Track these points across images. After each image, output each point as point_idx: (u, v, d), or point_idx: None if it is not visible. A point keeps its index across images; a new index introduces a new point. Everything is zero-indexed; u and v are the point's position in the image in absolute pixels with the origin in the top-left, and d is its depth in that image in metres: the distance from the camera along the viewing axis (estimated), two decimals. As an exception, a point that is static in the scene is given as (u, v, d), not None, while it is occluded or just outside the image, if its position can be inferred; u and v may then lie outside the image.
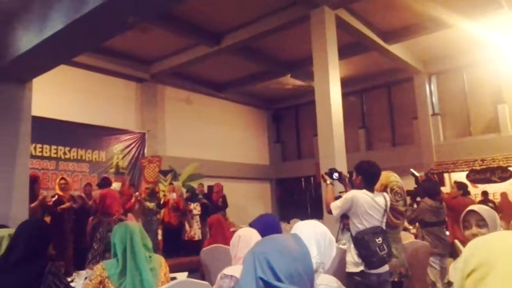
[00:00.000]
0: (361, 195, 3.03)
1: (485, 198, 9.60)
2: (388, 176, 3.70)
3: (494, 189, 10.68)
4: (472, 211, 2.13)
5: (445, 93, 12.44)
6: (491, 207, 7.23)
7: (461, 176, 10.92)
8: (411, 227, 6.28)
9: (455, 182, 6.36)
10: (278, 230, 2.57)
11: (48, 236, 2.56)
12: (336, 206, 3.11)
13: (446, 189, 9.07)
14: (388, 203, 3.17)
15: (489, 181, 10.51)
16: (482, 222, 2.08)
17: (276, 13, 8.73)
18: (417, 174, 5.40)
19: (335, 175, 3.56)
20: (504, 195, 9.99)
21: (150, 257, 2.53)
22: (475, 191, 10.56)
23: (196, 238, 8.01)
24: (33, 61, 3.85)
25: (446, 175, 11.48)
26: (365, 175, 3.15)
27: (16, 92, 4.25)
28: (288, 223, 10.47)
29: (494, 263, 0.76)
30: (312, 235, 1.62)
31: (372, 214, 3.01)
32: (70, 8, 3.04)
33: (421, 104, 12.39)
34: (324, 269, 1.64)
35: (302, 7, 8.21)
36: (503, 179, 10.47)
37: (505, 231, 0.87)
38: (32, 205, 5.75)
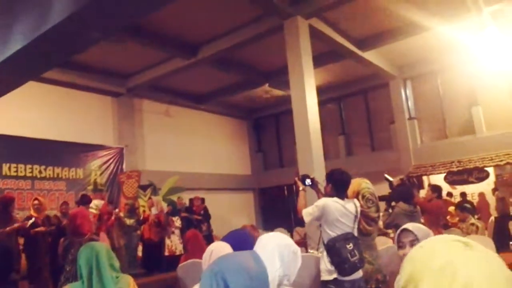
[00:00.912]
0: (332, 203, 3.06)
1: (464, 199, 9.75)
2: (359, 183, 3.73)
3: (473, 190, 10.87)
4: (406, 230, 2.14)
5: (420, 97, 12.66)
6: (469, 208, 7.37)
7: (439, 178, 11.10)
8: (390, 231, 6.32)
9: (429, 185, 6.45)
10: (249, 243, 2.55)
11: (11, 261, 2.49)
12: (307, 213, 3.13)
13: (425, 192, 9.18)
14: (359, 210, 3.20)
15: (466, 182, 10.70)
16: (416, 242, 2.07)
17: (250, 24, 8.78)
18: (391, 179, 5.44)
19: (308, 181, 3.57)
20: (482, 195, 10.17)
21: (117, 277, 2.47)
22: (454, 192, 10.74)
23: (178, 253, 7.90)
24: (-5, 81, 3.77)
25: (424, 178, 11.65)
26: (336, 183, 3.18)
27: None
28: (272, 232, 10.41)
29: (419, 278, 0.73)
30: (275, 248, 1.59)
31: (343, 221, 3.03)
32: (30, 27, 2.99)
33: (397, 109, 12.58)
34: (289, 281, 1.62)
35: (276, 17, 8.27)
36: (480, 180, 10.68)
37: (434, 238, 0.83)
38: (7, 229, 5.59)
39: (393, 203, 4.87)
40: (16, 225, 5.72)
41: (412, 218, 4.85)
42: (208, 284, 1.20)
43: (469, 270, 0.69)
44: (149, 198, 9.12)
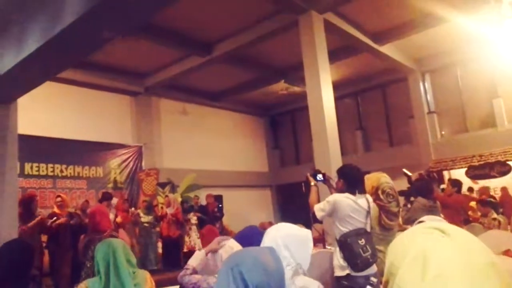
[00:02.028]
0: (343, 199, 3.04)
1: (485, 194, 9.52)
2: (378, 178, 3.68)
3: (495, 184, 10.61)
4: (422, 222, 2.10)
5: (439, 90, 12.43)
6: (491, 202, 7.19)
7: (460, 173, 10.87)
8: (409, 226, 6.24)
9: (449, 179, 6.33)
10: (255, 241, 2.56)
11: (30, 257, 2.55)
12: (319, 209, 3.11)
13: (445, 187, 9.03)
14: (371, 205, 3.16)
15: (488, 176, 10.46)
16: None
17: (264, 21, 8.77)
18: (409, 173, 5.35)
19: (319, 176, 3.55)
20: (504, 189, 9.90)
21: (134, 272, 2.50)
22: (475, 187, 10.51)
23: (197, 248, 7.98)
24: (13, 82, 3.86)
25: (445, 173, 11.43)
26: (347, 179, 3.15)
27: (0, 113, 4.26)
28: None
29: (395, 271, 0.72)
30: (278, 238, 1.59)
31: (355, 217, 3.01)
32: (45, 28, 3.05)
33: (416, 103, 12.37)
34: (303, 270, 1.61)
35: (290, 13, 8.23)
36: (502, 174, 10.41)
37: (413, 228, 0.81)
38: (29, 224, 5.73)
39: (412, 198, 4.79)
40: (38, 218, 5.85)
41: (432, 213, 4.76)
42: (225, 278, 1.22)
43: (441, 258, 0.67)
44: (166, 196, 9.21)
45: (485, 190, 8.77)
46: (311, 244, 1.62)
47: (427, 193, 4.72)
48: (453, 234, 0.72)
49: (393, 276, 0.72)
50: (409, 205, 5.08)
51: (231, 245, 2.87)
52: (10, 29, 3.58)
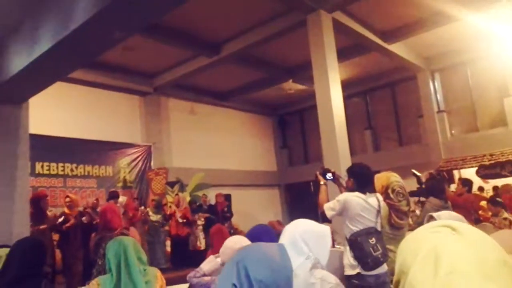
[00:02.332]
0: (353, 198, 3.03)
1: (496, 193, 9.43)
2: (388, 177, 3.66)
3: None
4: (433, 217, 2.10)
5: (449, 89, 12.33)
6: (502, 202, 7.11)
7: (470, 172, 10.77)
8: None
9: (460, 179, 6.27)
10: (265, 239, 2.57)
11: (42, 254, 2.58)
12: (328, 208, 3.11)
13: (455, 186, 8.96)
14: (382, 204, 3.15)
15: (499, 176, 10.34)
16: None
17: (272, 20, 8.76)
18: (418, 174, 5.31)
19: (329, 175, 3.54)
20: (515, 189, 9.81)
21: (144, 270, 2.52)
22: (486, 186, 10.41)
23: (202, 248, 8.02)
24: (25, 82, 3.91)
25: (455, 172, 11.34)
26: (357, 178, 3.15)
27: (12, 112, 4.32)
28: (298, 228, 10.37)
29: (407, 269, 0.71)
30: (297, 234, 1.63)
31: (365, 216, 3.00)
32: (56, 28, 3.09)
33: (426, 102, 12.29)
34: (322, 265, 1.63)
35: (298, 12, 8.22)
36: (513, 173, 10.30)
37: (423, 226, 0.80)
38: (41, 227, 5.80)
39: (422, 199, 4.76)
40: (45, 226, 5.91)
41: (443, 212, 4.72)
42: (229, 273, 1.20)
43: (453, 255, 0.67)
44: (176, 194, 9.26)
45: (509, 187, 8.63)
46: (329, 240, 1.65)
47: (439, 193, 4.68)
48: (464, 231, 0.72)
49: (405, 275, 0.71)
50: (416, 209, 5.04)
51: None
52: (22, 30, 3.63)
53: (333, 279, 1.65)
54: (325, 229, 1.68)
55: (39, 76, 3.80)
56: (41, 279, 2.36)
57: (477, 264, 0.65)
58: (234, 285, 1.16)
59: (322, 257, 1.63)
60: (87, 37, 3.07)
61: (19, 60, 3.62)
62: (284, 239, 1.63)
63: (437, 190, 4.78)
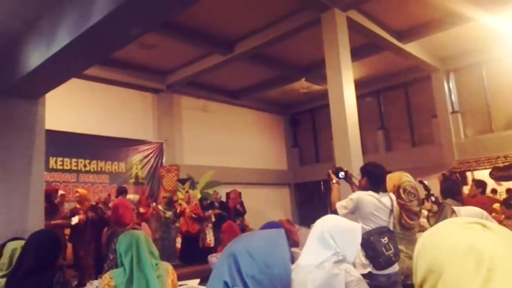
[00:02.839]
0: (366, 197, 3.01)
1: (510, 196, 9.29)
2: (400, 177, 3.64)
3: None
4: (454, 212, 2.09)
5: (464, 90, 12.17)
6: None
7: (484, 174, 10.62)
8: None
9: (474, 180, 6.19)
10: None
11: (57, 247, 2.61)
12: (341, 206, 3.10)
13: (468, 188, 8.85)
14: (395, 203, 3.13)
15: (513, 178, 10.19)
16: None
17: (286, 18, 8.74)
18: (425, 182, 5.22)
19: (341, 174, 3.53)
20: (530, 192, 9.66)
21: (156, 264, 2.54)
22: (499, 189, 10.26)
23: (212, 245, 8.06)
24: (42, 77, 3.97)
25: (468, 174, 11.21)
26: (370, 177, 3.13)
27: (29, 108, 4.40)
28: (309, 227, 10.35)
29: (441, 268, 0.69)
30: (325, 229, 1.65)
31: (378, 215, 2.98)
32: (74, 24, 3.13)
33: (440, 102, 12.15)
34: (348, 261, 1.65)
35: (313, 10, 8.19)
36: (528, 176, 10.13)
37: (447, 222, 0.79)
38: (53, 222, 5.88)
39: (432, 198, 4.70)
40: (59, 221, 5.98)
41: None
42: (221, 268, 1.15)
43: (492, 252, 0.67)
44: (186, 192, 9.31)
45: None
46: (358, 236, 1.66)
47: (455, 194, 4.62)
48: (494, 228, 0.72)
49: (437, 274, 0.70)
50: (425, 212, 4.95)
51: None
52: (40, 25, 3.68)
53: (357, 274, 1.68)
54: (354, 225, 1.70)
55: (56, 71, 3.85)
56: (55, 272, 2.39)
57: (505, 264, 0.66)
58: (226, 282, 1.09)
59: (349, 253, 1.65)
60: (104, 33, 3.10)
61: (37, 56, 3.68)
62: (313, 233, 1.67)
63: (453, 192, 4.71)
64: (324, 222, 1.70)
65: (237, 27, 9.21)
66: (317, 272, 1.55)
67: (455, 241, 0.71)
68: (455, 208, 2.12)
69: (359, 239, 1.67)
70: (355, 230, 1.67)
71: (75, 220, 6.25)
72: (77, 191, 7.03)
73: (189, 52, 10.13)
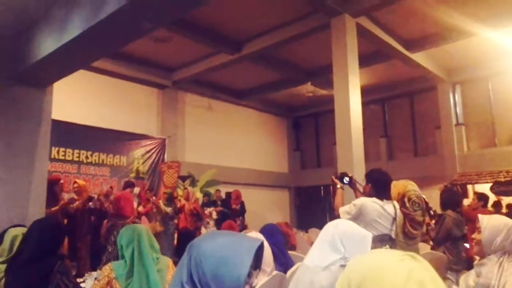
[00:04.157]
0: (370, 203, 3.00)
1: (510, 211, 9.27)
2: (405, 185, 3.63)
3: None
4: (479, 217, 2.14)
5: (469, 102, 12.16)
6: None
7: (485, 187, 10.60)
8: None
9: (475, 193, 6.17)
10: (276, 238, 2.59)
11: (59, 236, 2.61)
12: (344, 211, 3.09)
13: (469, 201, 8.83)
14: (398, 212, 3.12)
15: (514, 193, 10.17)
16: (480, 229, 2.13)
17: (296, 21, 8.74)
18: (423, 195, 5.20)
19: (346, 179, 3.52)
20: (530, 208, 9.63)
21: (157, 258, 2.54)
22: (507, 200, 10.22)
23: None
24: (52, 65, 3.97)
25: (469, 187, 11.19)
26: (375, 183, 3.12)
27: (36, 96, 4.39)
28: (306, 232, 10.35)
29: None
30: (336, 234, 1.66)
31: (380, 222, 2.97)
32: (88, 14, 3.13)
33: (444, 114, 12.14)
34: None
35: (323, 15, 8.19)
36: (529, 192, 10.11)
37: (385, 251, 0.91)
38: (53, 209, 5.86)
39: (434, 212, 4.68)
40: (57, 208, 5.93)
41: (461, 227, 4.60)
42: (182, 266, 1.15)
43: (424, 278, 0.81)
44: (185, 188, 9.28)
45: None
46: (368, 245, 1.66)
47: (455, 205, 4.60)
48: (419, 259, 0.88)
49: None
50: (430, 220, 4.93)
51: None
52: (53, 13, 3.68)
53: None
54: (366, 233, 1.71)
55: (66, 61, 3.85)
56: (56, 260, 2.39)
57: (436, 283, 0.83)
58: (181, 283, 1.10)
59: None
60: (116, 26, 3.10)
61: (48, 44, 3.68)
62: (323, 236, 1.69)
63: (453, 203, 4.69)
64: (337, 226, 1.71)
65: (246, 27, 9.21)
66: (323, 274, 1.56)
67: (396, 270, 0.82)
68: (480, 216, 2.15)
69: (368, 248, 1.67)
70: (366, 238, 1.68)
71: (76, 204, 6.18)
72: (75, 182, 6.98)
73: (196, 49, 10.13)
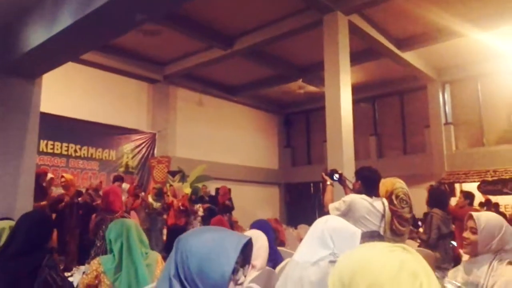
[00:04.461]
0: (359, 200, 3.03)
1: (496, 210, 9.41)
2: (393, 183, 3.66)
3: (506, 202, 10.50)
4: (471, 216, 2.11)
5: (458, 102, 12.29)
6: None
7: (472, 186, 10.74)
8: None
9: (462, 191, 6.26)
10: (267, 235, 2.59)
11: (48, 229, 2.59)
12: (334, 208, 3.11)
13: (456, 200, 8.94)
14: (387, 209, 3.15)
15: (500, 192, 10.32)
16: (474, 230, 2.07)
17: (289, 18, 8.73)
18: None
19: (336, 176, 3.55)
20: (516, 207, 9.81)
21: (146, 253, 2.53)
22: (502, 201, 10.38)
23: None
24: (42, 56, 3.92)
25: (457, 185, 11.33)
26: (365, 180, 3.15)
27: (25, 87, 4.33)
28: (296, 228, 10.39)
29: (381, 286, 0.80)
30: (325, 230, 1.67)
31: (370, 219, 3.00)
32: (79, 5, 3.09)
33: (433, 113, 12.25)
34: None
35: (315, 12, 8.19)
36: (515, 192, 10.28)
37: (374, 244, 0.91)
38: (42, 203, 5.79)
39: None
40: (45, 202, 5.87)
41: (448, 225, 4.67)
42: (170, 262, 1.16)
43: (416, 269, 0.82)
44: (170, 185, 9.22)
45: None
46: (357, 241, 1.68)
47: (444, 204, 4.67)
48: (410, 250, 0.88)
49: None
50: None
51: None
52: (42, 5, 3.63)
53: None
54: (355, 230, 1.72)
55: (55, 53, 3.80)
56: (45, 254, 2.37)
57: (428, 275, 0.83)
58: (169, 278, 1.11)
59: None
60: (108, 17, 3.07)
61: (38, 35, 3.62)
62: (312, 231, 1.69)
63: (442, 201, 4.75)
64: (326, 222, 1.71)
65: (238, 23, 9.18)
66: (312, 269, 1.57)
67: (387, 261, 0.83)
68: (476, 215, 2.13)
69: (357, 244, 1.68)
70: (355, 234, 1.69)
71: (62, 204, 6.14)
72: (63, 176, 6.90)
73: (188, 44, 10.06)
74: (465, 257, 2.60)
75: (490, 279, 1.95)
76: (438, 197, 4.83)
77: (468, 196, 5.75)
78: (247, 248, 1.22)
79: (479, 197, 10.38)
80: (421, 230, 5.59)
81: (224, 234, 1.21)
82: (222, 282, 1.09)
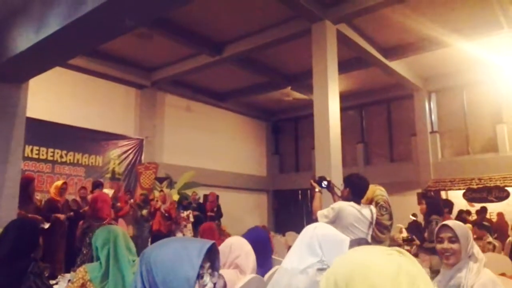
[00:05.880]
0: (347, 207, 3.04)
1: (481, 217, 9.53)
2: (373, 190, 3.70)
3: (491, 209, 10.63)
4: (446, 226, 2.14)
5: (444, 111, 12.48)
6: (488, 226, 7.21)
7: (457, 194, 10.90)
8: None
9: (441, 199, 6.39)
10: (265, 244, 2.59)
11: (36, 238, 2.54)
12: (322, 215, 3.12)
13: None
14: (375, 216, 3.17)
15: (485, 200, 10.47)
16: (454, 238, 2.09)
17: (278, 26, 8.79)
18: (415, 218, 5.43)
19: (324, 183, 3.56)
20: (500, 215, 9.91)
21: (133, 261, 2.50)
22: (472, 210, 10.51)
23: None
24: (29, 61, 3.86)
25: (443, 193, 11.46)
26: (354, 188, 3.16)
27: (11, 92, 4.25)
28: (283, 235, 10.38)
29: None
30: (314, 237, 1.66)
31: (357, 226, 3.02)
32: (67, 10, 3.06)
33: (420, 121, 12.42)
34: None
35: (304, 20, 8.26)
36: (499, 199, 10.44)
37: (372, 247, 0.91)
38: (30, 215, 5.67)
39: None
40: (36, 216, 5.78)
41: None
42: (137, 274, 1.17)
43: (412, 272, 0.83)
44: (161, 191, 9.17)
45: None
46: (346, 249, 1.68)
47: (439, 211, 4.81)
48: (406, 254, 0.88)
49: None
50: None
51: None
52: (30, 9, 3.59)
53: None
54: (343, 238, 1.72)
55: (43, 57, 3.75)
56: (30, 261, 2.33)
57: (425, 278, 0.84)
58: None
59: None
60: (96, 22, 3.05)
61: (25, 40, 3.57)
62: (301, 238, 1.69)
63: (438, 209, 4.90)
64: (315, 230, 1.71)
65: (228, 30, 9.21)
66: (300, 277, 1.57)
67: (385, 264, 0.83)
68: (452, 224, 2.17)
69: (345, 250, 1.69)
70: (343, 242, 1.69)
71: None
72: (65, 183, 6.83)
73: (177, 50, 10.05)
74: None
75: (469, 281, 1.99)
76: (435, 205, 4.97)
77: (447, 204, 5.86)
78: (213, 253, 1.23)
79: (465, 205, 10.54)
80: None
81: (187, 243, 1.22)
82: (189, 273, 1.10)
